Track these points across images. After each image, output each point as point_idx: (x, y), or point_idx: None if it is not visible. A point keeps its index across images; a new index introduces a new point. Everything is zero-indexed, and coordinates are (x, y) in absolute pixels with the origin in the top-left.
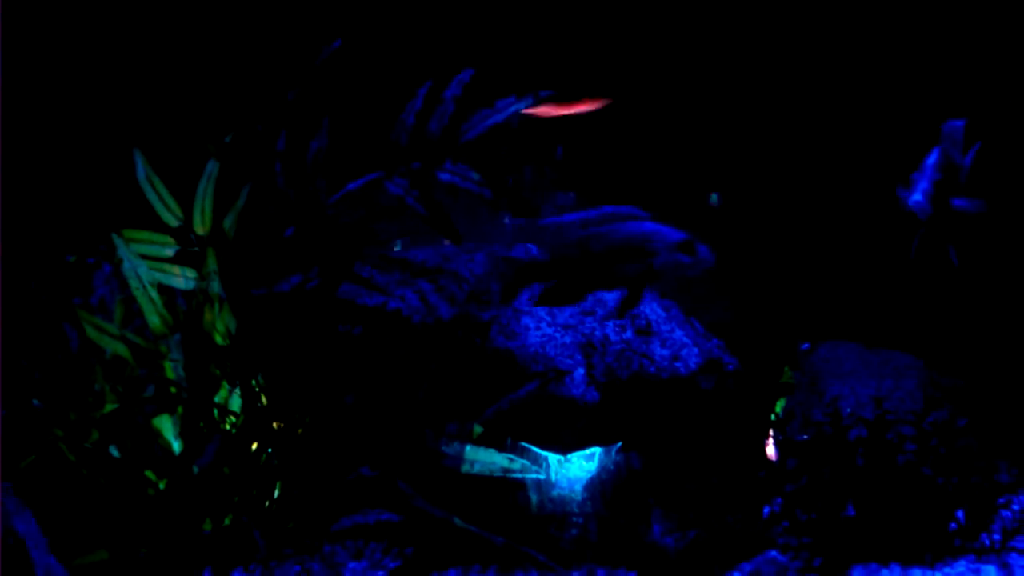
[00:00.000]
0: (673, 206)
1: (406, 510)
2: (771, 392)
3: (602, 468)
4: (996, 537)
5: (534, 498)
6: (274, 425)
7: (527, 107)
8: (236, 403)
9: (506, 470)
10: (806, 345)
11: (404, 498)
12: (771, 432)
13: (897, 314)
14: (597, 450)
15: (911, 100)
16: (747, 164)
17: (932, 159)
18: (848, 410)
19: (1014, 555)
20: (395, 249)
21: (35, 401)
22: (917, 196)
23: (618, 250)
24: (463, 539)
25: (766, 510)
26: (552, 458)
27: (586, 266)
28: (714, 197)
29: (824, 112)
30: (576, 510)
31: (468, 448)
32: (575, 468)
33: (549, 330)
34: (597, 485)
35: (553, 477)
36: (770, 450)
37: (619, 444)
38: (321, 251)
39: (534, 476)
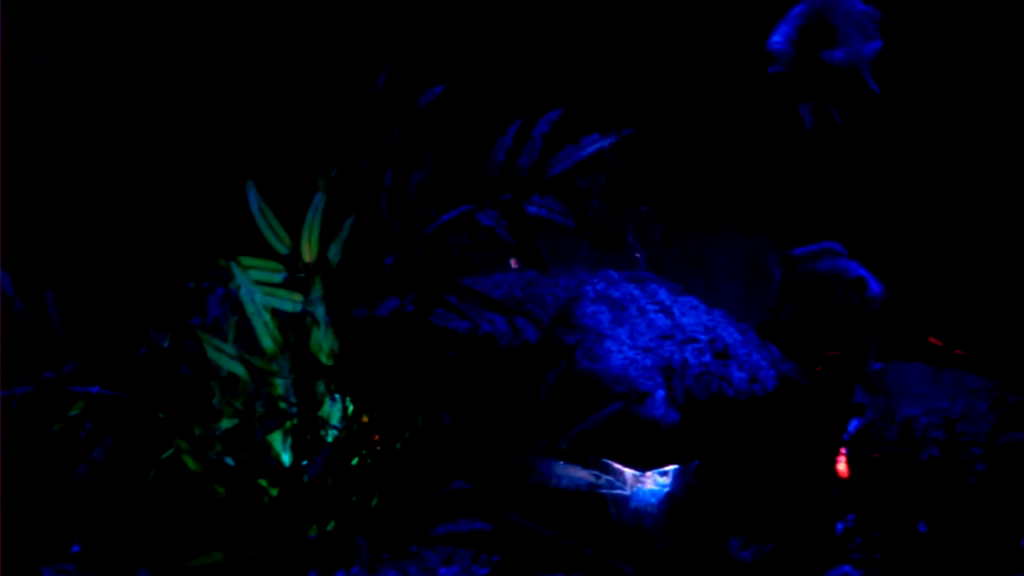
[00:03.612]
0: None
1: (496, 520)
2: (843, 412)
3: (678, 484)
4: None
5: (613, 512)
6: (374, 439)
7: (611, 144)
8: (337, 417)
9: (592, 485)
10: (878, 365)
11: (495, 509)
12: (843, 451)
13: (969, 331)
14: (672, 467)
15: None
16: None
17: (798, 8)
18: (920, 431)
19: None
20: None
21: (160, 415)
22: (777, 38)
23: (817, 284)
24: (548, 549)
25: (839, 526)
26: (629, 474)
27: (804, 296)
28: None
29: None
30: (654, 524)
31: (556, 464)
32: (650, 483)
33: (631, 353)
34: (674, 501)
35: (629, 492)
36: (842, 468)
37: (697, 462)
38: (418, 278)
39: (617, 492)
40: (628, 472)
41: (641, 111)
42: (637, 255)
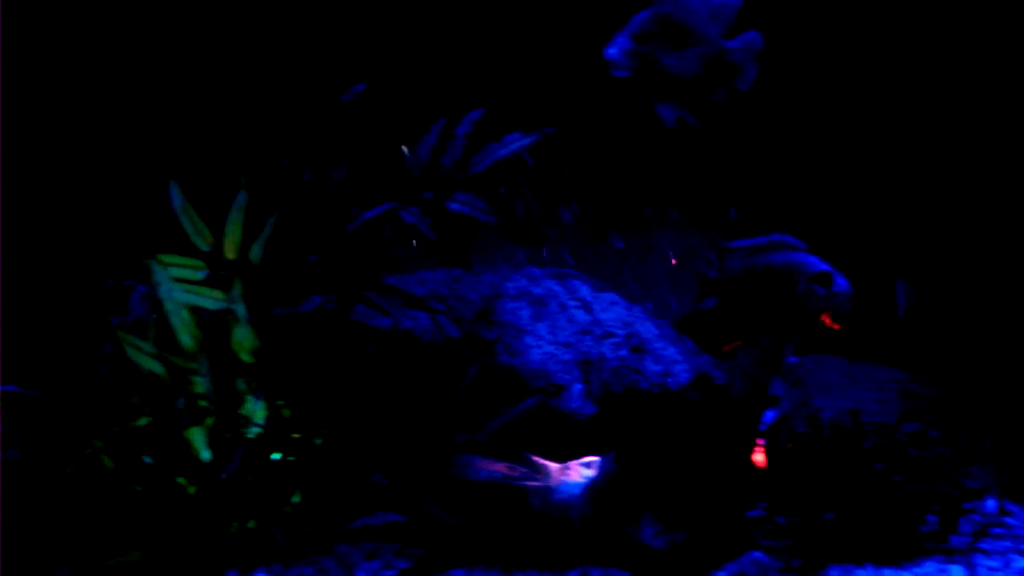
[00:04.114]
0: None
1: (417, 514)
2: (758, 404)
3: (597, 475)
4: (964, 539)
5: (535, 503)
6: (295, 436)
7: (532, 143)
8: (259, 415)
9: (508, 477)
10: (795, 359)
11: (415, 503)
12: (760, 441)
13: (884, 324)
14: (596, 458)
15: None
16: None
17: (640, 16)
18: (831, 421)
19: (979, 556)
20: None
21: (78, 413)
22: (613, 51)
23: (770, 277)
24: (469, 541)
25: (752, 514)
26: (549, 466)
27: (748, 289)
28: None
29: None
30: (574, 515)
31: (475, 458)
32: (570, 475)
33: (550, 348)
34: (594, 491)
35: (553, 484)
36: (759, 458)
37: (614, 453)
38: (340, 276)
39: (534, 483)
40: (548, 464)
41: (576, 111)
42: (565, 253)
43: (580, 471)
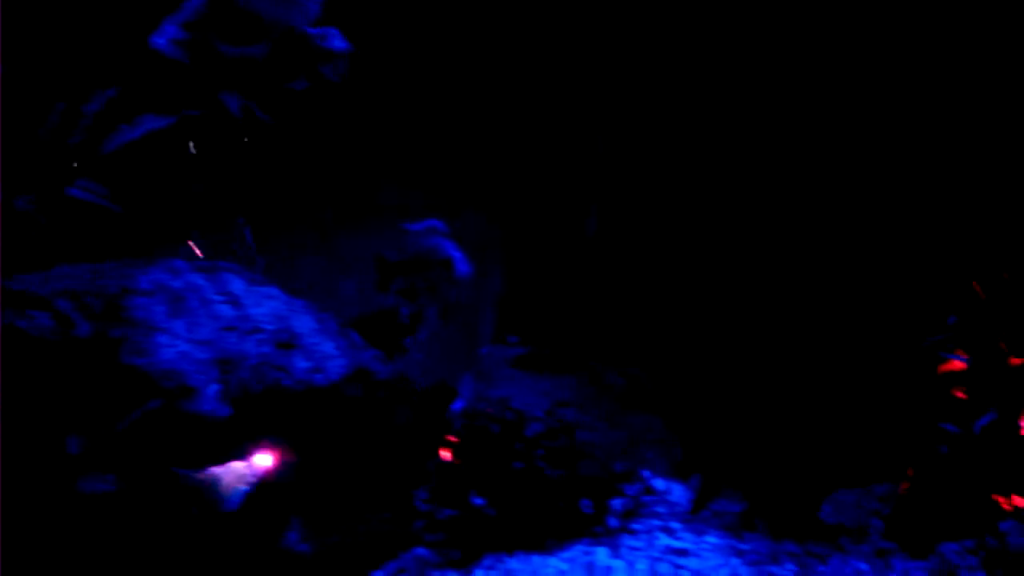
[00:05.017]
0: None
1: (37, 531)
2: (439, 397)
3: (257, 482)
4: (614, 522)
5: (187, 513)
6: None
7: (167, 125)
8: None
9: (140, 490)
10: (486, 349)
11: (34, 520)
12: (442, 434)
13: (575, 316)
14: (265, 462)
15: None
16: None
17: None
18: (500, 410)
19: (626, 536)
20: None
21: None
22: (160, 40)
23: (419, 260)
24: (114, 563)
25: (419, 508)
26: (220, 471)
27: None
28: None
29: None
30: (229, 525)
31: (97, 470)
32: (244, 481)
33: (185, 347)
34: (253, 498)
35: (217, 494)
36: (444, 452)
37: (272, 456)
38: None
39: (173, 495)
40: (216, 471)
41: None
42: (235, 247)
43: (243, 476)
